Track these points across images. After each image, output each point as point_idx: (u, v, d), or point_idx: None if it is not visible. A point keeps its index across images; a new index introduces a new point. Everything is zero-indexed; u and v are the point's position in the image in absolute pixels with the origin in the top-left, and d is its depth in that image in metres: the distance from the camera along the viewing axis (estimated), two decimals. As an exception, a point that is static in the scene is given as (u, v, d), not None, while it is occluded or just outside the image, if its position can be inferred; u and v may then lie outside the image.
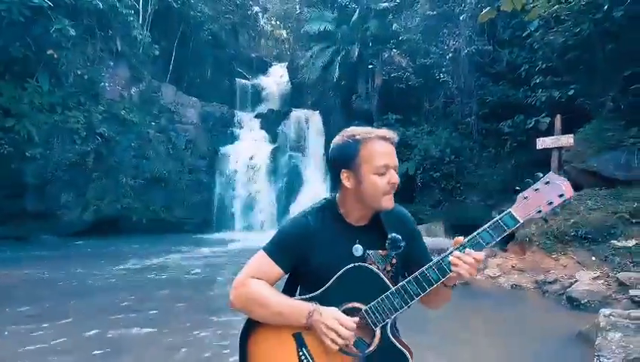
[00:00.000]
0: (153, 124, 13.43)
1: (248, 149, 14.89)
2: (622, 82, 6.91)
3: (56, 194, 11.04)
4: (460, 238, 1.03)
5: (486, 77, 10.81)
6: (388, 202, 1.10)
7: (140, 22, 13.65)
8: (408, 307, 1.03)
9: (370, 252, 1.11)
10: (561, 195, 0.96)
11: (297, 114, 15.85)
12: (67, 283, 6.18)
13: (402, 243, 1.09)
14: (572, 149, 7.11)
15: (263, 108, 17.79)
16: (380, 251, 1.12)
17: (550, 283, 5.43)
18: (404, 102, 12.21)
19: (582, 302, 4.67)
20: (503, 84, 10.32)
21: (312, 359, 1.05)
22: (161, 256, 8.74)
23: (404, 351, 1.07)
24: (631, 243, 5.55)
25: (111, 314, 4.46)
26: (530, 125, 8.72)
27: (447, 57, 11.01)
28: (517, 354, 3.70)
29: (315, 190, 14.00)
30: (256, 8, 20.57)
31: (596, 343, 3.26)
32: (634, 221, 5.86)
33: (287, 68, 19.64)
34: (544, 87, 8.47)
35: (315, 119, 15.41)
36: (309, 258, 1.11)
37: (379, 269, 1.08)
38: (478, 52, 10.62)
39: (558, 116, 6.77)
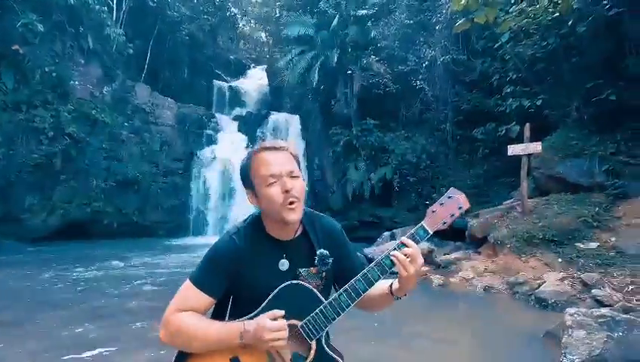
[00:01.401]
0: (126, 124, 13.02)
1: (226, 152, 14.67)
2: (585, 94, 7.33)
3: (19, 196, 10.48)
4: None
5: (460, 85, 11.19)
6: (289, 213, 1.06)
7: (114, 19, 13.25)
8: (340, 317, 1.07)
9: (301, 270, 1.12)
10: (460, 208, 1.10)
11: (276, 117, 15.80)
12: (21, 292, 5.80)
13: (330, 259, 1.12)
14: (540, 156, 7.46)
15: (241, 110, 17.62)
16: (312, 269, 1.13)
17: (520, 284, 5.64)
18: (382, 108, 12.43)
19: (549, 302, 4.87)
20: (476, 92, 10.72)
21: None
22: (128, 262, 8.41)
23: (337, 358, 1.11)
24: (593, 245, 5.87)
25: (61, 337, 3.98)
26: (502, 133, 9.09)
27: (424, 65, 11.31)
28: (488, 353, 3.81)
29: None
30: (235, 10, 20.41)
31: (562, 341, 3.43)
32: (595, 224, 6.21)
33: (266, 71, 19.58)
34: (514, 96, 8.87)
35: (295, 123, 15.41)
36: (238, 279, 1.10)
37: (310, 285, 1.10)
38: (452, 61, 10.98)
39: (527, 125, 7.09)
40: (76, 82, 11.77)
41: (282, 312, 1.03)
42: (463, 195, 1.12)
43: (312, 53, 13.48)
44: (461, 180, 10.94)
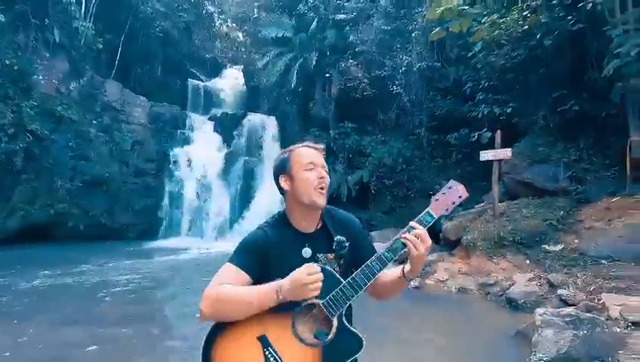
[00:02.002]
0: (95, 122, 12.46)
1: (201, 153, 14.34)
2: (551, 103, 7.74)
3: (-26, 197, 9.79)
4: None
5: (435, 91, 11.51)
6: (319, 197, 1.24)
7: (83, 12, 12.66)
8: (358, 295, 1.18)
9: (320, 256, 1.26)
10: (460, 196, 1.25)
11: (253, 118, 15.61)
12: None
13: (346, 244, 1.25)
14: (510, 162, 7.79)
15: (216, 111, 17.29)
16: (329, 255, 1.27)
17: (491, 285, 5.86)
18: (359, 112, 12.56)
19: (519, 302, 5.08)
20: (450, 98, 11.05)
21: (278, 355, 1.13)
22: (93, 267, 7.92)
23: (359, 334, 1.21)
24: (558, 247, 6.18)
25: None
26: (474, 138, 9.42)
27: (400, 71, 11.55)
28: (462, 353, 3.93)
29: (269, 197, 13.83)
30: (211, 8, 20.02)
31: (532, 340, 3.58)
32: (560, 227, 6.55)
33: (242, 71, 19.32)
34: (486, 103, 9.23)
35: (272, 124, 15.29)
36: (267, 264, 1.23)
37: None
38: (428, 68, 11.28)
39: (499, 131, 7.39)
40: (40, 77, 11.16)
41: (317, 267, 1.13)
42: (462, 186, 1.25)
43: (290, 55, 13.45)
44: (436, 183, 11.21)
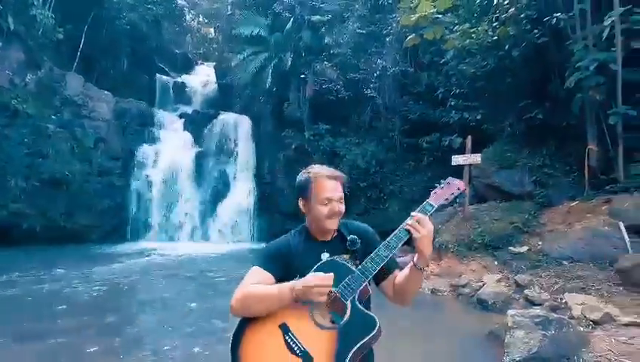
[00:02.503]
0: (54, 117, 11.69)
1: (170, 152, 13.84)
2: (517, 111, 8.12)
3: None
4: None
5: (408, 96, 11.75)
6: (330, 224, 1.41)
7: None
8: (368, 280, 1.30)
9: (336, 257, 1.38)
10: (458, 188, 1.40)
11: (225, 117, 15.27)
12: None
13: (359, 241, 1.39)
14: (479, 167, 8.11)
15: (186, 108, 16.74)
16: (344, 255, 1.39)
17: (462, 286, 6.05)
18: (334, 114, 12.61)
19: (489, 303, 5.28)
20: (422, 103, 11.33)
21: (297, 340, 1.24)
22: (47, 275, 7.18)
23: (372, 314, 1.32)
24: (524, 249, 6.49)
25: None
26: (445, 143, 9.71)
27: (375, 74, 11.70)
28: (437, 354, 4.02)
29: (242, 198, 13.59)
30: (182, 2, 19.38)
31: (505, 341, 3.73)
32: (525, 230, 6.88)
33: (214, 68, 18.86)
34: (457, 109, 9.54)
35: (245, 124, 15.01)
36: (290, 270, 1.36)
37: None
38: (401, 72, 11.50)
39: (469, 137, 7.68)
40: (-9, 67, 10.32)
41: (331, 274, 1.24)
42: (462, 181, 1.41)
43: (265, 54, 13.28)
44: (407, 186, 11.48)
